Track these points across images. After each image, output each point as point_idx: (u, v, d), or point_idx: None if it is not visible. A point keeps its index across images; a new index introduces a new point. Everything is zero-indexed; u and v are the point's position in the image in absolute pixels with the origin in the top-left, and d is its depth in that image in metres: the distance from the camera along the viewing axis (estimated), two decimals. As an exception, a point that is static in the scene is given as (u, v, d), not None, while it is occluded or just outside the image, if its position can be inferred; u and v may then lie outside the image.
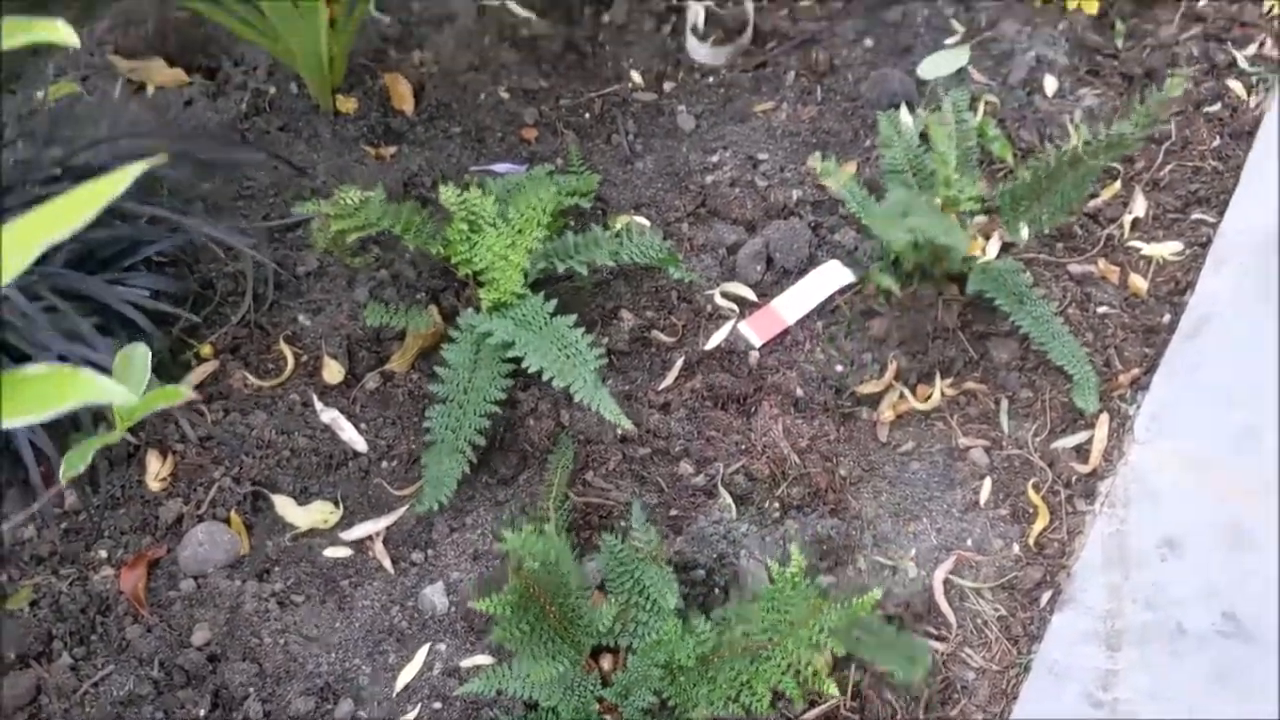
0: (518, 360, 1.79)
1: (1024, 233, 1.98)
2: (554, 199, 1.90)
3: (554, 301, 1.86)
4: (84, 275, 1.79)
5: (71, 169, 1.89)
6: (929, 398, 1.93)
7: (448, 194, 1.91)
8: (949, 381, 1.94)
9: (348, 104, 2.34)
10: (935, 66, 2.39)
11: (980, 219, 2.01)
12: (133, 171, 0.72)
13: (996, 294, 1.93)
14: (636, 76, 2.43)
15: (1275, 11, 2.47)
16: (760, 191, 2.19)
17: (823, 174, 2.01)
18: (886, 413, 1.91)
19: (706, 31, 2.45)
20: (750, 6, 2.47)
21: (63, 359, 1.72)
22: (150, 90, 2.37)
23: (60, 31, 0.81)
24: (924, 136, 2.24)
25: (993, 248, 2.06)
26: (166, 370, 1.89)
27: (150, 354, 1.10)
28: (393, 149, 2.30)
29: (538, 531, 1.45)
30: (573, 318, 1.83)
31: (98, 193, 0.71)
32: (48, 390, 0.73)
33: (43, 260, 1.65)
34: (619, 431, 1.85)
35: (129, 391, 0.78)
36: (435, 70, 2.41)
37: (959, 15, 2.50)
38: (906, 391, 1.93)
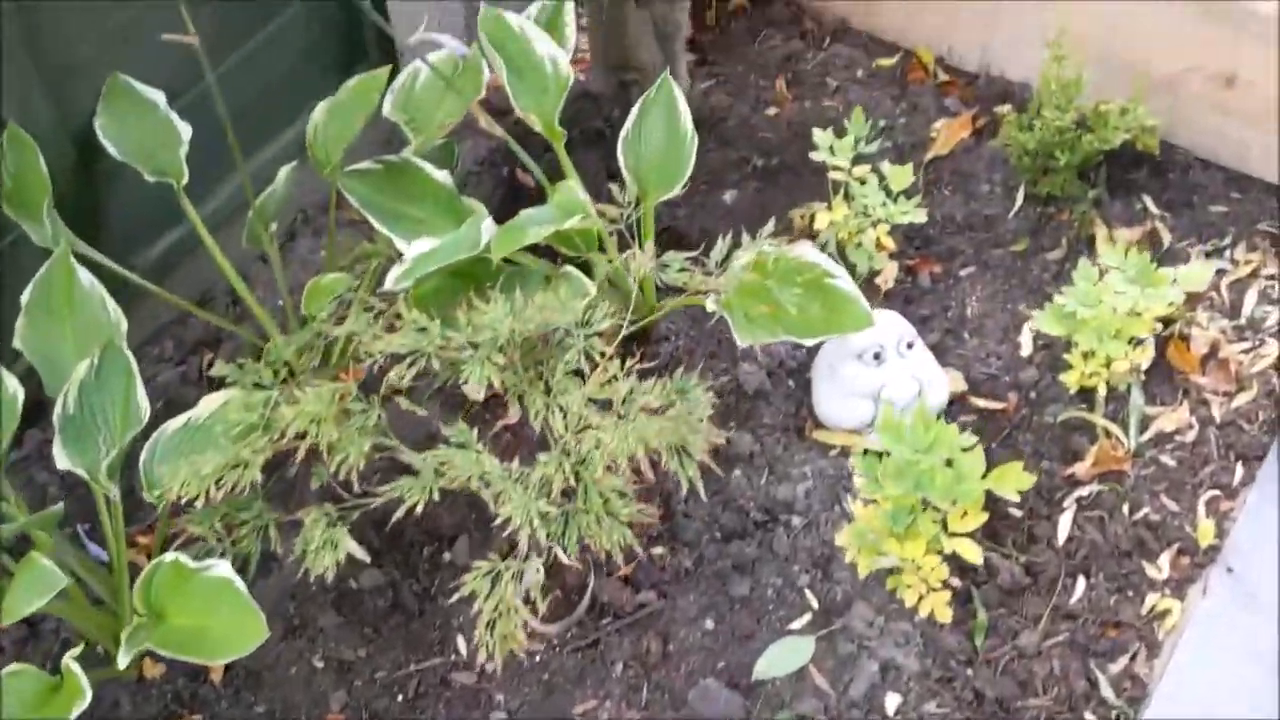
0: None
1: None
2: None
3: None
4: None
5: None
6: None
7: None
8: None
9: (155, 668, 2.26)
10: (773, 665, 2.24)
11: None
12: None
13: None
14: (462, 646, 2.31)
15: (1157, 609, 2.29)
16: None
17: None
18: None
19: (546, 585, 2.33)
20: (591, 569, 2.34)
21: None
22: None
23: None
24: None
25: None
26: None
27: None
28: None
29: None
30: None
31: None
32: None
33: None
34: None
35: None
36: (253, 628, 2.31)
37: (814, 584, 2.35)
38: None
